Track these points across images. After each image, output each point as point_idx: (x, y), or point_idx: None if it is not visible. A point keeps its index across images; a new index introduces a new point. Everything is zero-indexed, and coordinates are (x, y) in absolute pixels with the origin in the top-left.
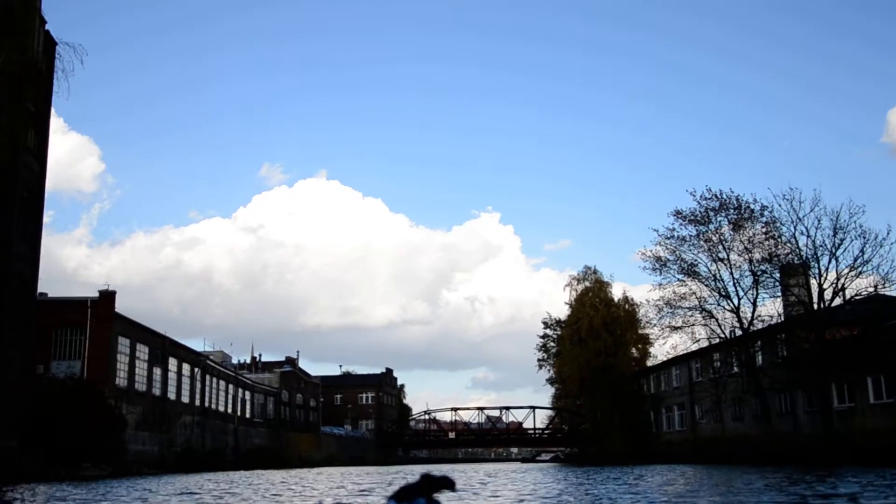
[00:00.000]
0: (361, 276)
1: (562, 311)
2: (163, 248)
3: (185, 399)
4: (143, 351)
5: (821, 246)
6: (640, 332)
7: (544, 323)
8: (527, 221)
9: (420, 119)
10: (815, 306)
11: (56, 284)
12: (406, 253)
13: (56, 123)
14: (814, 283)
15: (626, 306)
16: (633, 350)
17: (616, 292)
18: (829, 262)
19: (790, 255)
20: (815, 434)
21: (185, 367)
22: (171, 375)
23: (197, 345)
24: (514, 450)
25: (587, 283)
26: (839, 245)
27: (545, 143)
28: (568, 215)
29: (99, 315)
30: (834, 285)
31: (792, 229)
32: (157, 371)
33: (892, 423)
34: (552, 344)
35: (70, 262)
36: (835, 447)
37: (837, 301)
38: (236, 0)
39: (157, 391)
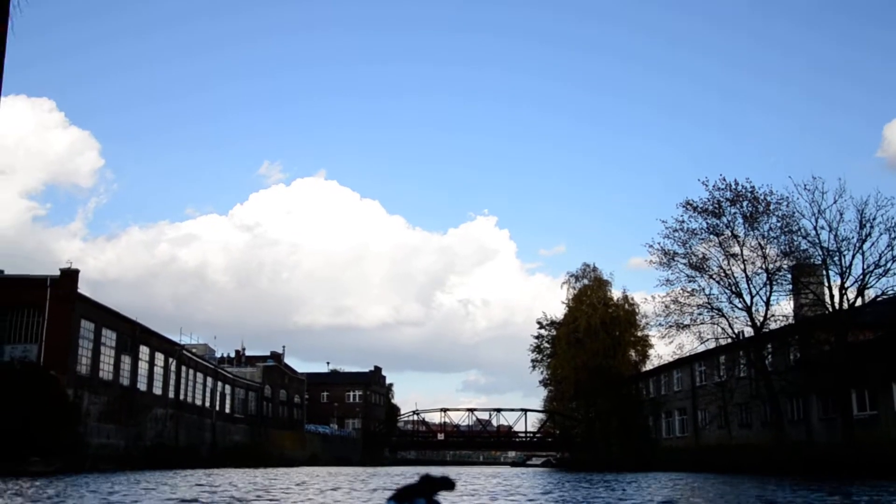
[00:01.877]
0: (356, 277)
1: (558, 311)
2: (158, 244)
3: (158, 391)
4: (109, 337)
5: (844, 240)
6: (639, 333)
7: (539, 323)
8: (523, 225)
9: (419, 120)
10: (837, 305)
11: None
12: (402, 255)
13: (56, 118)
14: (836, 280)
15: (626, 306)
16: (632, 352)
17: (615, 292)
18: (853, 257)
19: (810, 250)
20: (830, 442)
21: (159, 357)
22: (142, 365)
23: (185, 340)
24: (512, 453)
25: (585, 281)
26: (865, 239)
27: (543, 146)
28: (564, 220)
29: (59, 296)
30: (859, 282)
31: (813, 222)
32: (126, 359)
33: None
34: (547, 345)
35: (64, 254)
36: (855, 457)
37: (860, 301)
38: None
39: (125, 381)
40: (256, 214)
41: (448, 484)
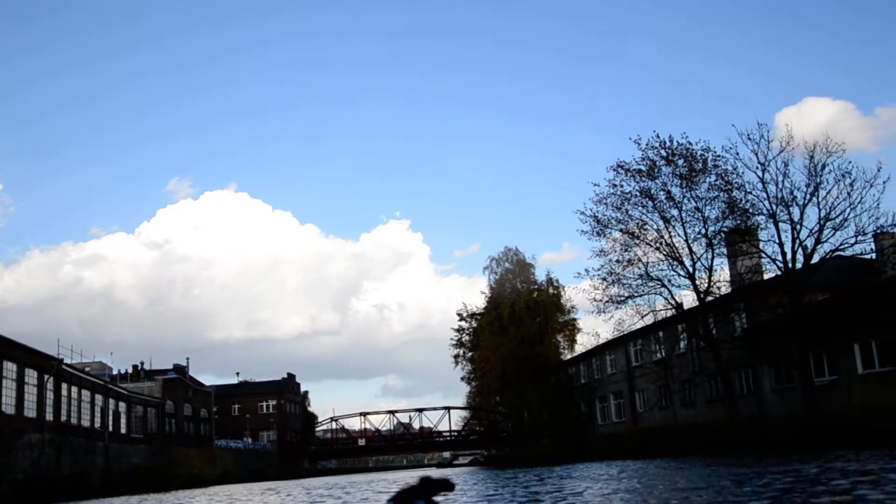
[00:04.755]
0: (270, 289)
1: (478, 302)
2: (61, 266)
3: (31, 413)
4: None
5: (794, 192)
6: (565, 318)
7: (459, 315)
8: (436, 227)
9: (329, 127)
10: (790, 264)
11: None
12: (315, 263)
13: None
14: (786, 237)
15: (551, 290)
16: (559, 338)
17: (539, 274)
18: (803, 209)
19: (758, 205)
20: (786, 415)
21: (30, 374)
22: (7, 384)
23: (85, 360)
24: (447, 453)
25: (508, 265)
26: (817, 188)
27: (452, 144)
28: (477, 219)
29: None
30: (815, 236)
31: (759, 174)
32: None
33: (886, 396)
34: (468, 337)
35: None
36: (818, 428)
37: (815, 258)
38: (138, 6)
39: None
40: (165, 231)
41: (447, 485)
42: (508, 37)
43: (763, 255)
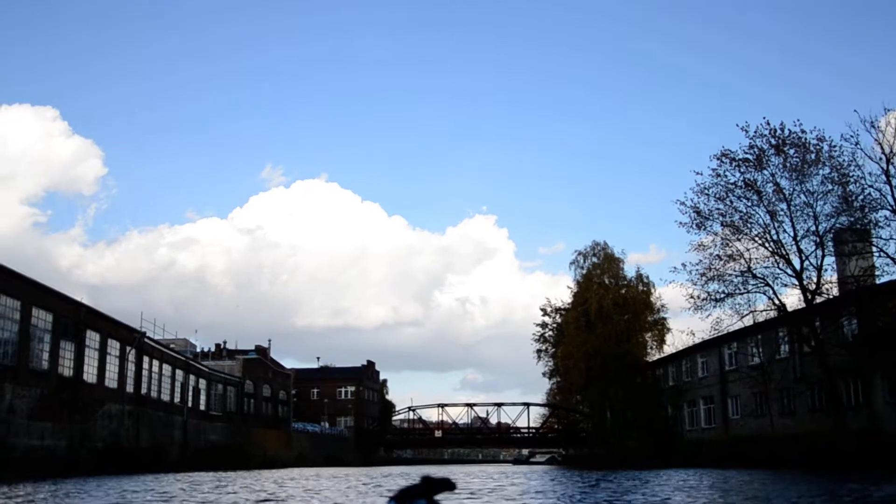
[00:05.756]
0: (355, 279)
1: (563, 297)
2: (157, 248)
3: (112, 384)
4: (42, 319)
5: None
6: (654, 316)
7: (542, 310)
8: (522, 223)
9: (419, 121)
10: None
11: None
12: (401, 255)
13: (60, 127)
14: None
15: (641, 286)
16: (648, 336)
17: (629, 270)
18: None
19: (879, 200)
20: None
21: (113, 345)
22: (90, 353)
23: (168, 336)
24: (525, 451)
25: (595, 259)
26: None
27: (542, 144)
28: (562, 218)
29: None
30: None
31: (883, 166)
32: (69, 346)
33: None
34: (551, 333)
35: (64, 260)
36: None
37: None
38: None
39: (66, 371)
40: (257, 217)
41: (448, 485)
42: (599, 41)
43: (883, 254)
